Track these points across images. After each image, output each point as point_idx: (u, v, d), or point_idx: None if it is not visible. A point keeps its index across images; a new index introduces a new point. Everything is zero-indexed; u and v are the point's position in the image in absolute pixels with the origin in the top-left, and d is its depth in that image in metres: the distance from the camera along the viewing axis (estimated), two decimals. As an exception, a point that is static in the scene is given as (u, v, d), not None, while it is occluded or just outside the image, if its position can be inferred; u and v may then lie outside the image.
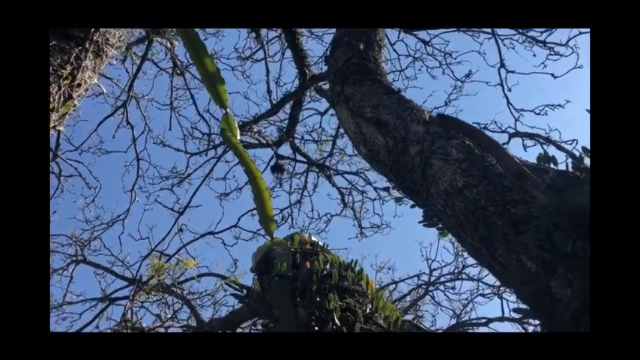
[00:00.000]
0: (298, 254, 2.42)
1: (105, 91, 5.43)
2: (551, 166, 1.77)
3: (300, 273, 2.23)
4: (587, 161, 1.74)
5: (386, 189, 2.45)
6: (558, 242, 1.46)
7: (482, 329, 6.55)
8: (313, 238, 2.76)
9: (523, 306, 1.74)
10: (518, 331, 6.26)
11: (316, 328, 1.77)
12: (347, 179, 6.98)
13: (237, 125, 2.68)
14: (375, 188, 7.11)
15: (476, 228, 1.74)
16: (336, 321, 1.75)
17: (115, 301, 5.65)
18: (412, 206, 2.26)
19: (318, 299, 1.92)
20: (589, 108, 1.44)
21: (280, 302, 2.04)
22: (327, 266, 2.22)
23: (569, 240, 1.44)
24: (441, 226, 2.09)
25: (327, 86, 3.71)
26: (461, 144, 1.98)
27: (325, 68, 3.77)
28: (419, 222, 2.13)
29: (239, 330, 5.67)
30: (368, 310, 1.87)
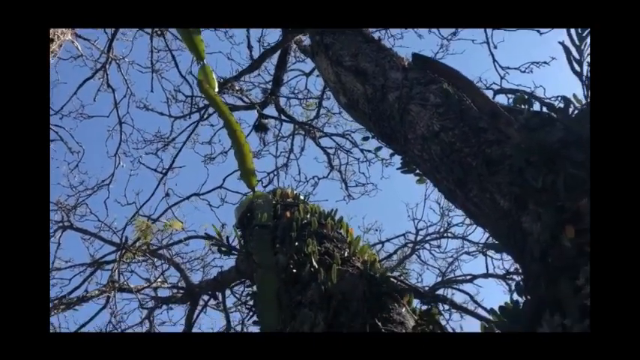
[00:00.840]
0: (279, 206, 2.43)
1: (82, 52, 5.29)
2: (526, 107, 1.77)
3: (280, 223, 2.25)
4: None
5: (365, 138, 2.46)
6: (529, 178, 1.48)
7: (468, 286, 6.69)
8: (295, 192, 2.77)
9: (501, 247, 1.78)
10: (501, 286, 6.42)
11: (294, 271, 1.80)
12: (334, 140, 6.97)
13: (214, 77, 2.64)
14: (362, 150, 7.13)
15: (451, 170, 1.75)
16: (314, 263, 1.78)
17: (103, 264, 5.68)
18: (391, 155, 2.27)
19: (297, 244, 1.95)
20: (562, 40, 1.43)
21: (260, 250, 2.07)
22: (308, 215, 2.24)
23: (540, 175, 1.46)
24: (418, 171, 2.10)
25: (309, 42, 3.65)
26: (439, 89, 1.97)
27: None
28: (397, 169, 2.14)
29: (227, 291, 5.73)
30: (346, 254, 1.90)
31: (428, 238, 7.01)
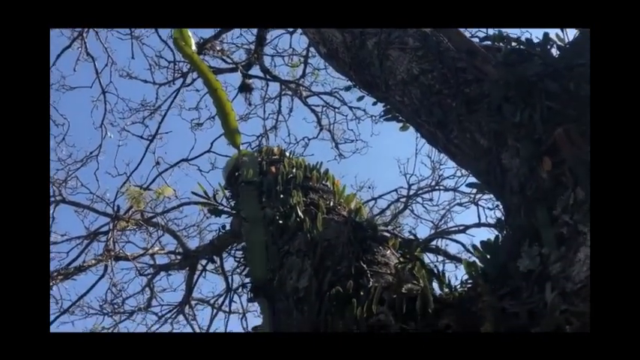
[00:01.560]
0: (265, 162, 2.43)
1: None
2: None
3: (266, 178, 2.25)
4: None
5: (348, 88, 2.44)
6: (507, 114, 1.48)
7: (461, 236, 6.80)
8: (281, 149, 2.76)
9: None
10: (494, 235, 6.52)
11: (280, 222, 1.81)
12: (322, 99, 6.90)
13: (190, 34, 2.57)
14: (350, 107, 7.08)
15: (431, 112, 1.74)
16: (300, 214, 1.79)
17: (99, 235, 5.71)
18: (374, 103, 2.25)
19: (282, 197, 1.96)
20: None
21: (247, 205, 2.08)
22: (293, 169, 2.24)
23: (518, 110, 1.46)
24: (401, 118, 2.09)
25: None
26: (417, 31, 1.93)
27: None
28: (379, 116, 2.13)
29: (225, 254, 5.80)
30: (331, 204, 1.92)
31: (420, 192, 7.07)
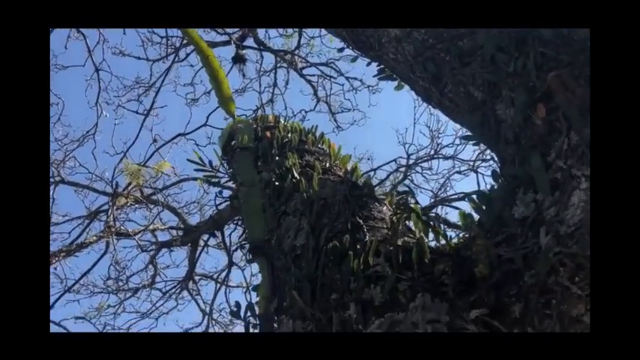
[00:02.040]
0: (260, 128, 2.42)
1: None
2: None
3: (261, 144, 2.24)
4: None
5: (340, 50, 2.41)
6: (501, 64, 1.46)
7: (460, 203, 6.81)
8: (276, 116, 2.74)
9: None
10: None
11: (277, 184, 1.81)
12: (318, 69, 6.83)
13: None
14: (347, 78, 7.01)
15: (425, 68, 1.72)
16: (296, 175, 1.79)
17: (99, 214, 5.74)
18: (368, 64, 2.22)
19: (278, 159, 1.95)
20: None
21: (244, 170, 2.07)
22: (288, 134, 2.23)
23: (512, 60, 1.44)
24: (395, 76, 2.07)
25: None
26: (409, -13, 1.89)
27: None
28: (374, 76, 2.10)
29: (226, 228, 5.83)
30: (327, 165, 1.91)
31: (419, 161, 7.05)
